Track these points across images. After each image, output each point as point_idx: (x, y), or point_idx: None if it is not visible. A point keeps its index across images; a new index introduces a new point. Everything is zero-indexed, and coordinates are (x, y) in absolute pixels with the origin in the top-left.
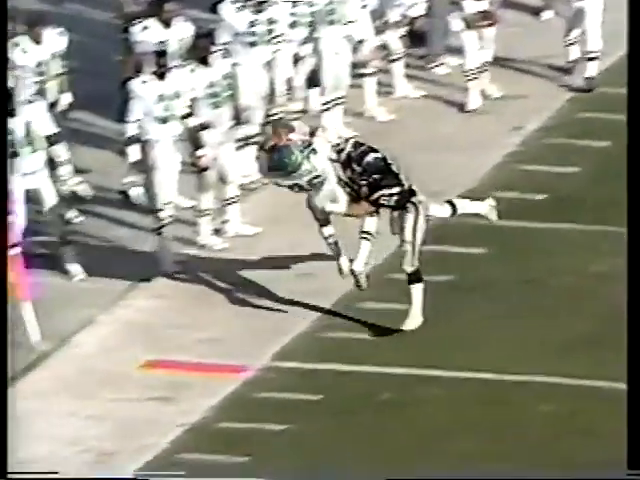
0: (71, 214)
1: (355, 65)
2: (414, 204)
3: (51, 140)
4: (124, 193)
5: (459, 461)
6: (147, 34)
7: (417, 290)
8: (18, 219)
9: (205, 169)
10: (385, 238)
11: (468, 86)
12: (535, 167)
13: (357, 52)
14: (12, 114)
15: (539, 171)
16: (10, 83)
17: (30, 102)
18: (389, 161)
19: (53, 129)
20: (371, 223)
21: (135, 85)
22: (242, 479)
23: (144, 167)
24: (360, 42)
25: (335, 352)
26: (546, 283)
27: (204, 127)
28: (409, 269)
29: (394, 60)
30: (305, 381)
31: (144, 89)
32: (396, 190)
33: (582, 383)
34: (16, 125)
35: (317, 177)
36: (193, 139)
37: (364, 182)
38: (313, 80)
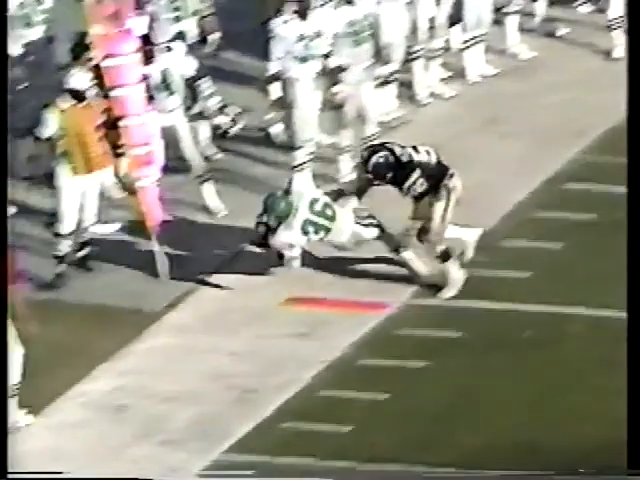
0: (211, 151)
1: (498, 3)
2: (447, 189)
3: (191, 81)
4: (265, 131)
5: (599, 399)
6: None
7: (451, 265)
8: (156, 154)
9: (342, 105)
10: (487, 206)
11: (612, 35)
12: None
13: None
14: (150, 61)
15: None
16: (146, 27)
17: (169, 49)
18: (398, 152)
19: (192, 71)
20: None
21: (276, 24)
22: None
23: (285, 105)
24: None
25: (476, 289)
26: None
27: (344, 65)
28: (437, 254)
29: None
30: (446, 318)
31: (285, 28)
32: (415, 176)
33: None
34: (153, 71)
35: (315, 201)
36: (332, 77)
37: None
38: (455, 18)
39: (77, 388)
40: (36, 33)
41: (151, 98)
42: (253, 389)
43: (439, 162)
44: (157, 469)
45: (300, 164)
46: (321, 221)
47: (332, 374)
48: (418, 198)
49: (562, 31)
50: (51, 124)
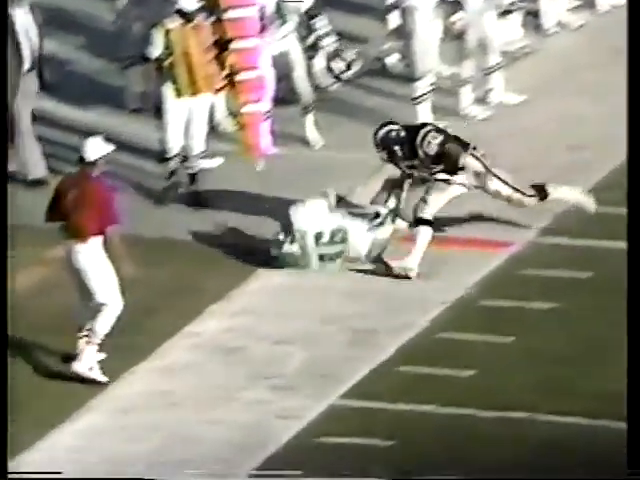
0: (327, 82)
1: None
2: (478, 157)
3: (307, 16)
4: (382, 61)
5: None
6: None
7: (559, 191)
8: (266, 81)
9: (462, 35)
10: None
11: None
12: None
13: None
14: None
15: None
16: None
17: None
18: (409, 125)
19: (309, 4)
20: None
21: None
22: None
23: (403, 34)
24: None
25: (604, 228)
26: None
27: None
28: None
29: None
30: (573, 258)
31: None
32: (425, 130)
33: None
34: (268, 1)
35: (321, 235)
36: (453, 5)
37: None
38: None
39: (188, 329)
40: None
41: (264, 28)
42: (369, 331)
43: (456, 137)
44: (269, 414)
45: (420, 96)
46: (333, 249)
47: (453, 316)
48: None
49: None
50: (159, 43)
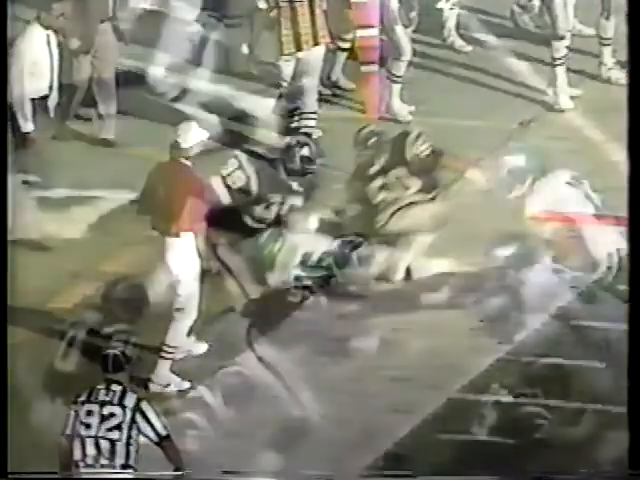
0: (459, 43)
1: None
2: None
3: None
4: (513, 18)
5: None
6: None
7: None
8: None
9: None
10: None
11: None
12: None
13: None
14: None
15: None
16: None
17: None
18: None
19: None
20: None
21: None
22: None
23: None
24: None
25: None
26: None
27: None
28: None
29: None
30: None
31: None
32: (415, 135)
33: None
34: None
35: (307, 257)
36: None
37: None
38: None
39: (293, 315)
40: None
41: None
42: (494, 318)
43: None
44: (384, 408)
45: (561, 57)
46: (313, 273)
47: (585, 302)
48: None
49: None
50: None
